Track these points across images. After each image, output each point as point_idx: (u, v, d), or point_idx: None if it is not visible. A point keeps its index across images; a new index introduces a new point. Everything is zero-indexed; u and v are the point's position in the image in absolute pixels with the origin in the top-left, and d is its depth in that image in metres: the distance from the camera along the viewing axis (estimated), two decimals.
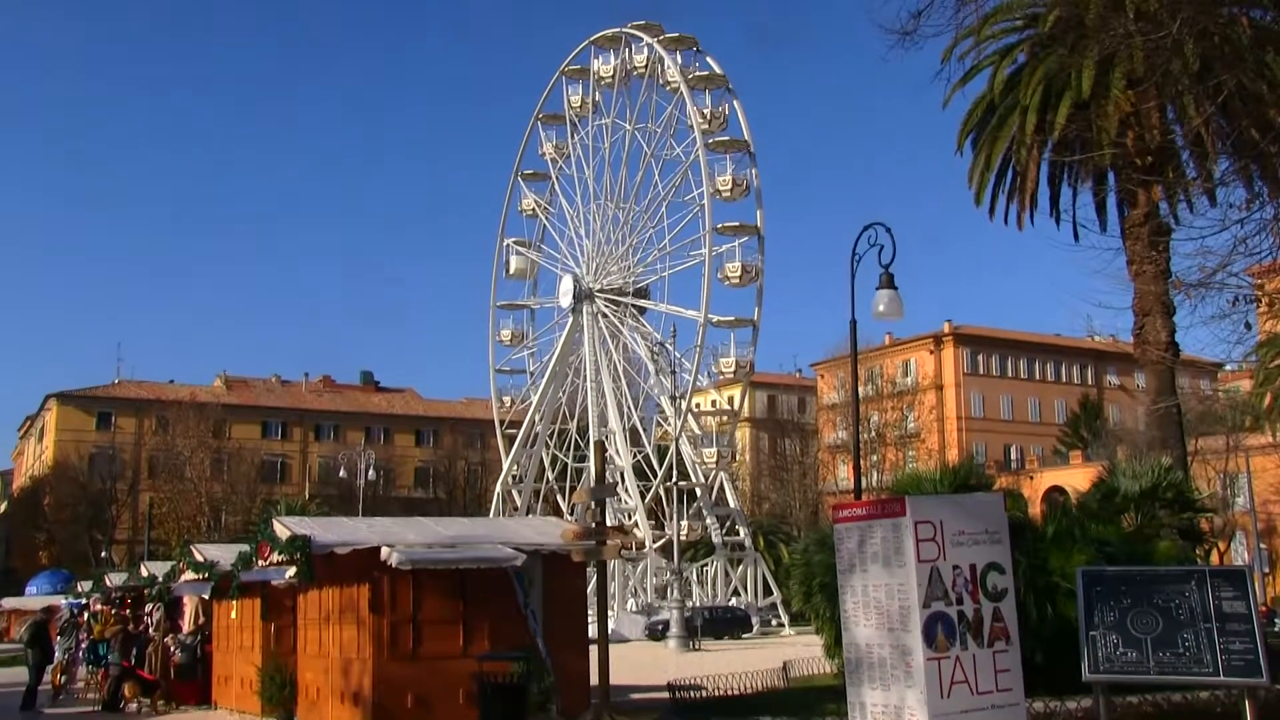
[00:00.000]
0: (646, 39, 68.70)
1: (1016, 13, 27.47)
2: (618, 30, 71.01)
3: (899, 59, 20.50)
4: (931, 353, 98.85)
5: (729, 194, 64.94)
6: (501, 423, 76.11)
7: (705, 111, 65.88)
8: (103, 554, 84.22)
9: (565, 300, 70.21)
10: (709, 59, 68.50)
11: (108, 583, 33.17)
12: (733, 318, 65.65)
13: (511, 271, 76.36)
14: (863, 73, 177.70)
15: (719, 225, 64.52)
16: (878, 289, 18.72)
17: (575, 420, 71.85)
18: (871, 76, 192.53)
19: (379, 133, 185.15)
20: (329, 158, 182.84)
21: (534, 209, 75.92)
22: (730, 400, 77.77)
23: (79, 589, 42.76)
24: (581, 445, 70.39)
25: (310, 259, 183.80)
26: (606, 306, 69.72)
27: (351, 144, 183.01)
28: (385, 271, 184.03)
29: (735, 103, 67.30)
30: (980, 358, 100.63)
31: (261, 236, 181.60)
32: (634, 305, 68.99)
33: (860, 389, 32.07)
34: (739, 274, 64.60)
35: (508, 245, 76.72)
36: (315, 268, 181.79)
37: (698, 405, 75.08)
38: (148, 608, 25.86)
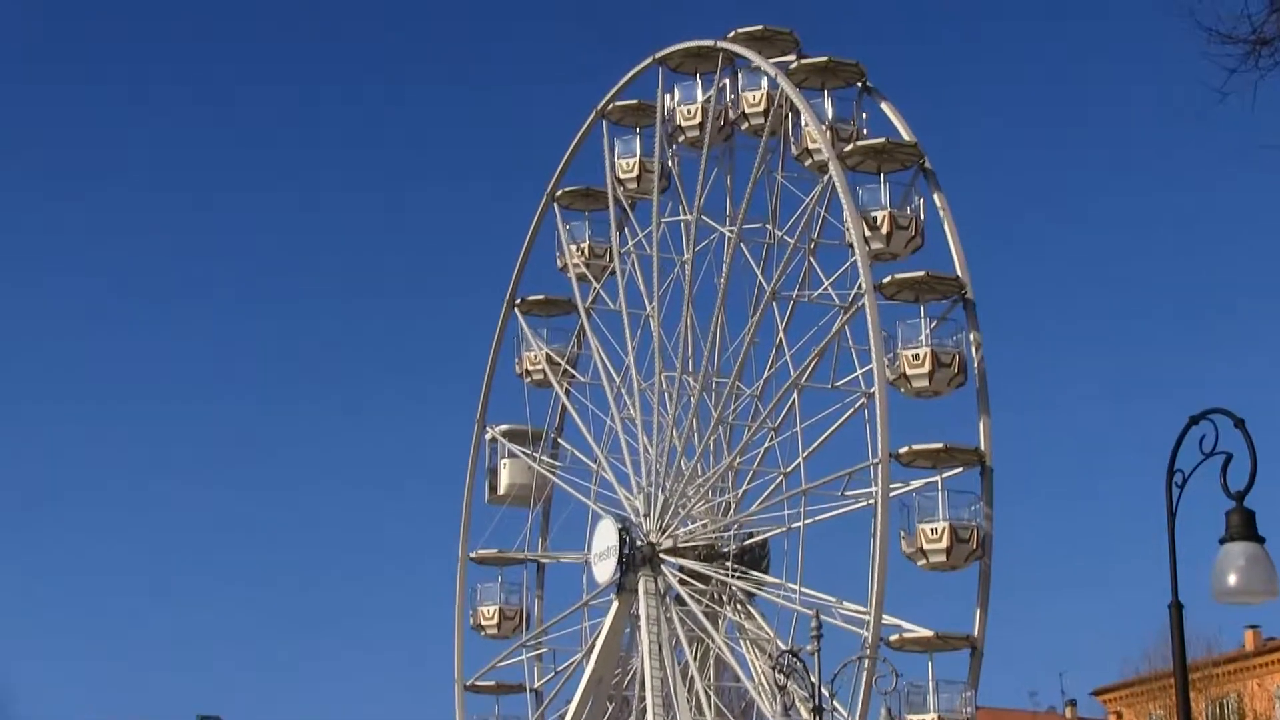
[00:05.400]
0: (759, 62, 67.07)
1: None
2: (708, 43, 69.35)
3: (1241, 90, 16.45)
4: None
5: (925, 383, 62.62)
6: None
7: (880, 215, 62.64)
8: None
9: (604, 569, 67.84)
10: (886, 108, 67.29)
11: None
12: (931, 633, 62.33)
13: (501, 492, 74.92)
14: (1155, 132, 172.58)
15: (903, 449, 61.81)
16: (1223, 541, 17.16)
17: None
18: (1171, 135, 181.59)
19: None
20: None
21: (543, 372, 74.68)
22: None
23: None
24: None
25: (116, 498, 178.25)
26: (682, 581, 67.39)
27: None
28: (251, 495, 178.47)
29: (936, 198, 65.47)
30: None
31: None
32: (737, 584, 66.77)
33: None
34: (944, 544, 61.35)
35: (493, 440, 75.14)
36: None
37: None
38: None
